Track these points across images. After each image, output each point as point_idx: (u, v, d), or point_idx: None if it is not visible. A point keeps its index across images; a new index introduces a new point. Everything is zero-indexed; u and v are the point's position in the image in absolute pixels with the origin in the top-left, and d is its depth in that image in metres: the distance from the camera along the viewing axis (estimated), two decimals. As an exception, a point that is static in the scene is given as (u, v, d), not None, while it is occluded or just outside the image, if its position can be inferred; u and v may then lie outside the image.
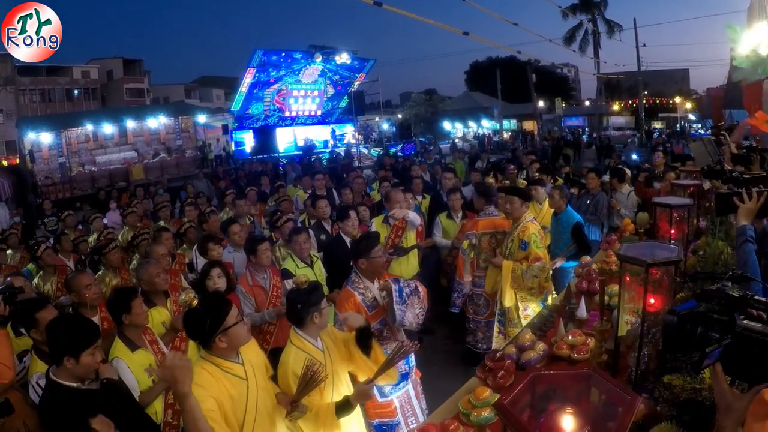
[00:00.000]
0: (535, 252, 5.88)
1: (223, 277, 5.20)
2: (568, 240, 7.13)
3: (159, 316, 4.76)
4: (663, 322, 1.81)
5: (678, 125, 46.92)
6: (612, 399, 1.84)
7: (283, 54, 28.63)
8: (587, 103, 60.75)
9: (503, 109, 50.49)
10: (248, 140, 30.75)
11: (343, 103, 35.67)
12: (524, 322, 5.56)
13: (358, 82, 34.93)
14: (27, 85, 50.53)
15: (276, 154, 29.41)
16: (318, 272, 6.09)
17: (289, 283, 5.44)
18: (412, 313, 4.40)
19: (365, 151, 32.25)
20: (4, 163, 29.90)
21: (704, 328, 1.63)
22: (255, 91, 29.13)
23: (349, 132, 36.53)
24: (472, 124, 55.35)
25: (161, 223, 9.26)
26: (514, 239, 6.01)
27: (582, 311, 4.61)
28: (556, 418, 1.67)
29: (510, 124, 54.82)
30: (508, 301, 5.93)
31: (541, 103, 47.40)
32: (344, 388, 3.69)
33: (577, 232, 7.12)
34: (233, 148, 30.19)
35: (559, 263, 6.91)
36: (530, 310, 5.88)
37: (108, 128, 24.56)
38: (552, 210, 7.58)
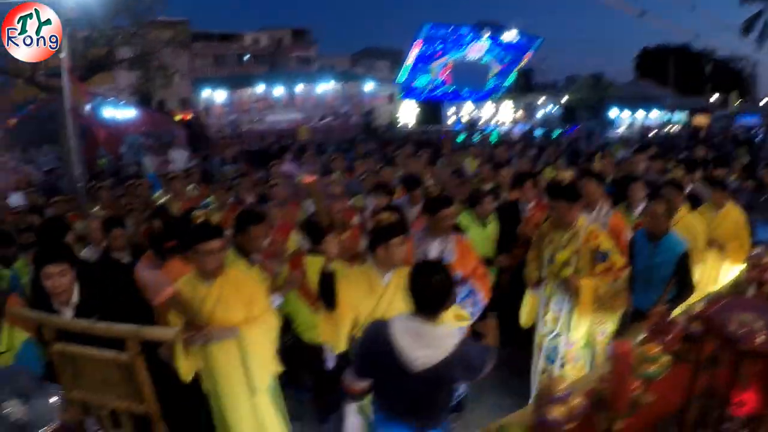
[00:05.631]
0: (619, 261, 4.65)
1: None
2: (667, 276, 4.84)
3: None
4: None
5: None
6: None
7: (451, 29, 28.70)
8: (765, 100, 55.98)
9: (674, 101, 47.75)
10: (413, 111, 31.23)
11: (509, 82, 35.16)
12: (599, 350, 4.59)
13: (524, 60, 34.31)
14: (200, 49, 53.75)
15: (440, 125, 29.70)
16: (490, 233, 6.22)
17: None
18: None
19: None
20: (179, 116, 32.29)
21: None
22: (421, 64, 29.44)
23: (512, 110, 36.17)
24: (640, 113, 52.67)
25: (334, 174, 9.88)
26: (581, 251, 4.67)
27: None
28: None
29: (680, 117, 51.63)
30: (582, 333, 4.73)
31: (713, 98, 44.13)
32: None
33: (682, 266, 4.83)
34: (398, 117, 30.83)
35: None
36: (608, 329, 4.78)
37: (277, 91, 25.76)
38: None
